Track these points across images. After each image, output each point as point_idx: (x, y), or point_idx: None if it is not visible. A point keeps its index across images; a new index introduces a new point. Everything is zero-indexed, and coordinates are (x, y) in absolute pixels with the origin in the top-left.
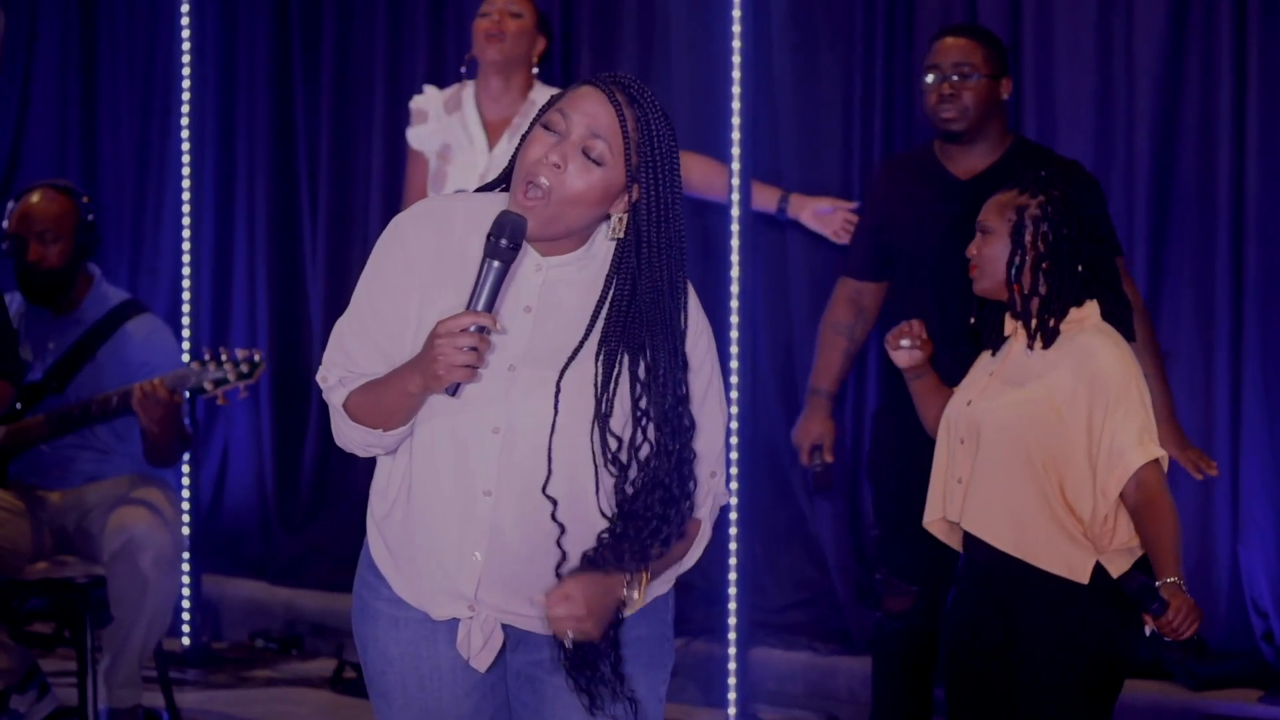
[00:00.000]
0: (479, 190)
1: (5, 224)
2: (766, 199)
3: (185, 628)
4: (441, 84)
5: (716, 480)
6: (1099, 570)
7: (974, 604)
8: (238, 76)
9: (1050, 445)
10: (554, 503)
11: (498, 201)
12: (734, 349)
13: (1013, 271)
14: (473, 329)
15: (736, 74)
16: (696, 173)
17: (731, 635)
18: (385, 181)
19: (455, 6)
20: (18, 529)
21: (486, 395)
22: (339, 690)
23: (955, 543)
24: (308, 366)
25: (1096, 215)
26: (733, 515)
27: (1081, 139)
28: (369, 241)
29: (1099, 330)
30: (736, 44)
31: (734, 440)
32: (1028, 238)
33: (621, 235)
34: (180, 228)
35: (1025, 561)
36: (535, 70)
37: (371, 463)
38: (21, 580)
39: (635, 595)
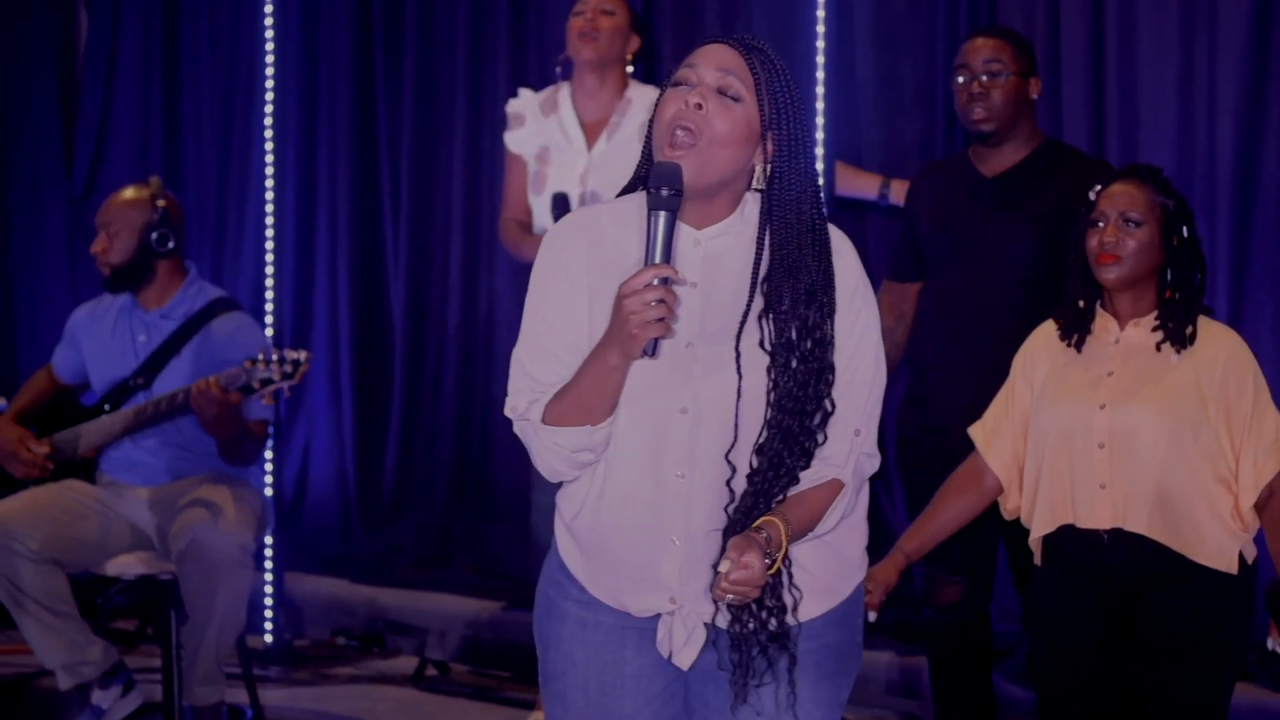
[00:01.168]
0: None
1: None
2: (867, 185)
3: (267, 625)
4: (523, 84)
5: (861, 439)
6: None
7: (1086, 607)
8: (319, 76)
9: (1207, 441)
10: (732, 469)
11: (638, 201)
12: None
13: (1166, 276)
14: (655, 281)
15: (820, 74)
16: None
17: None
18: (466, 181)
19: (538, 8)
20: (101, 523)
21: (670, 376)
22: (420, 687)
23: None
24: (389, 365)
25: None
26: None
27: (1164, 144)
28: (450, 241)
29: (1225, 330)
30: (820, 44)
31: None
32: (1175, 240)
33: (764, 186)
34: (263, 227)
35: (1181, 558)
36: (630, 69)
37: (447, 464)
38: (104, 576)
39: (775, 555)
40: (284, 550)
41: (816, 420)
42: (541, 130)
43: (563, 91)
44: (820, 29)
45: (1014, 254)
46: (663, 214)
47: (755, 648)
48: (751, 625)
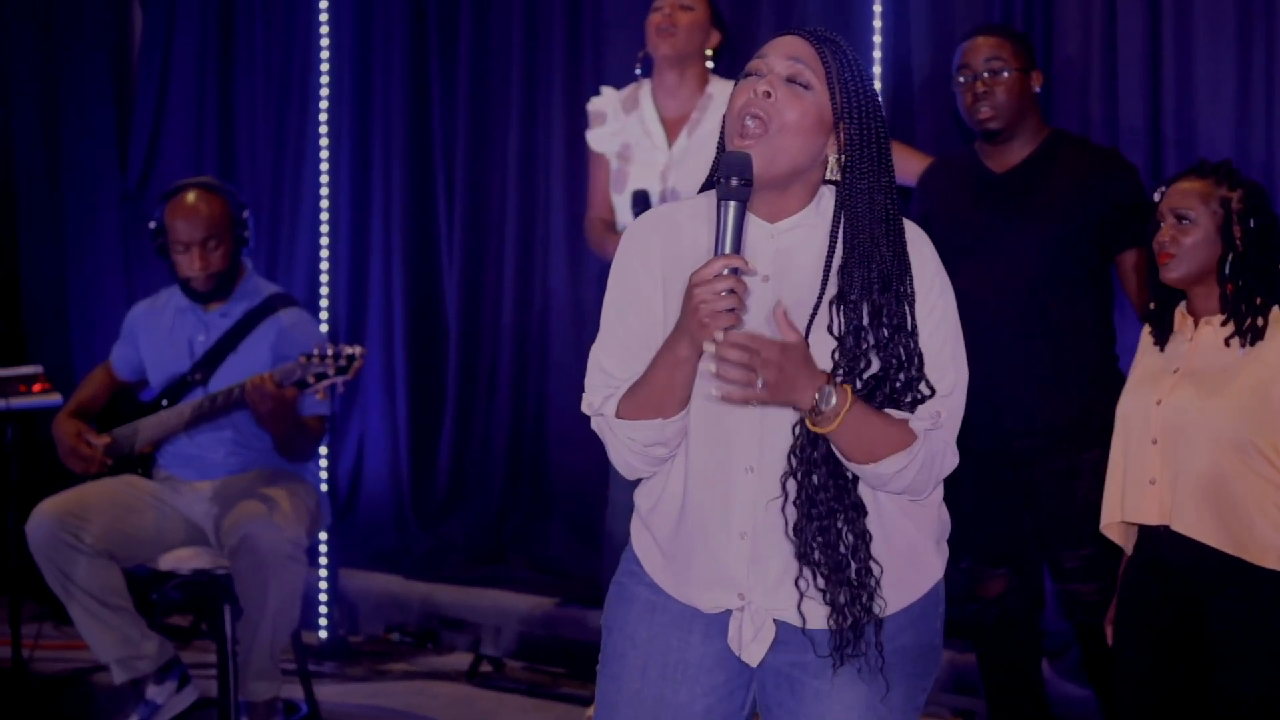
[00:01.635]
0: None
1: (153, 225)
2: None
3: (322, 621)
4: (577, 81)
5: (942, 421)
6: None
7: (1152, 603)
8: (374, 71)
9: (1266, 439)
10: (796, 460)
11: (713, 199)
12: None
13: (1225, 269)
14: (725, 272)
15: (877, 69)
16: None
17: None
18: (520, 177)
19: (593, 5)
20: (156, 518)
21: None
22: (475, 684)
23: (1131, 545)
24: (443, 360)
25: (1140, 204)
26: None
27: (1221, 132)
28: (504, 237)
29: None
30: (877, 38)
31: None
32: (1237, 232)
33: (839, 177)
34: (318, 223)
35: (1235, 559)
36: (711, 64)
37: (501, 460)
38: (159, 571)
39: (823, 408)
40: (338, 546)
41: (904, 405)
42: (623, 128)
43: (643, 88)
44: (877, 23)
45: (1027, 250)
46: (732, 204)
47: (847, 633)
48: (842, 607)
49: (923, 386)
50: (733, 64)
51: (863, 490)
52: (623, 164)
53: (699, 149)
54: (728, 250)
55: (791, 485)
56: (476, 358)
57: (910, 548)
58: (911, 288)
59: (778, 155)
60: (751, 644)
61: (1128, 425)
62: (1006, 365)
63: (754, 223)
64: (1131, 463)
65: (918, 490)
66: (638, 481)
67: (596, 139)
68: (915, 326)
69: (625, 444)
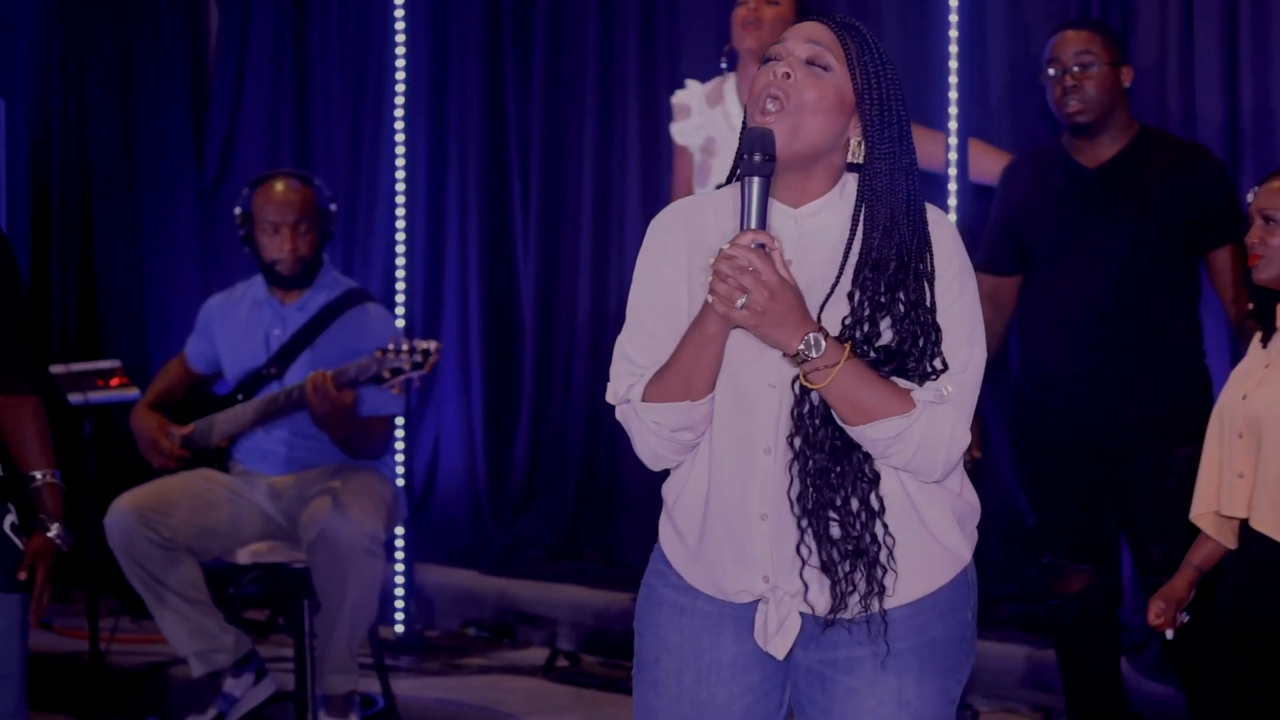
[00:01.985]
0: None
1: (239, 212)
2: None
3: (399, 616)
4: (652, 77)
5: (949, 398)
6: None
7: (1249, 597)
8: (449, 67)
9: None
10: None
11: (739, 191)
12: None
13: None
14: (753, 246)
15: (954, 48)
16: (932, 145)
17: None
18: (596, 172)
19: (667, 2)
20: (233, 512)
21: (759, 352)
22: (551, 678)
23: (1226, 537)
24: (519, 356)
25: (1229, 201)
26: None
27: None
28: (580, 232)
29: None
30: (954, 17)
31: None
32: None
33: (860, 160)
34: (393, 219)
35: None
36: None
37: (576, 456)
38: (236, 564)
39: (810, 354)
40: (415, 541)
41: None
42: (707, 121)
43: (728, 82)
44: (954, 17)
45: (1119, 245)
46: (756, 180)
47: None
48: (841, 592)
49: (937, 361)
50: None
51: (879, 471)
52: (706, 158)
53: None
54: (754, 225)
55: (797, 463)
56: (551, 354)
57: (930, 534)
58: (931, 265)
59: (798, 132)
60: (776, 636)
61: (1220, 418)
62: (1096, 362)
63: (778, 208)
64: (1224, 456)
65: (924, 469)
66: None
67: (680, 132)
68: (934, 303)
69: (651, 429)
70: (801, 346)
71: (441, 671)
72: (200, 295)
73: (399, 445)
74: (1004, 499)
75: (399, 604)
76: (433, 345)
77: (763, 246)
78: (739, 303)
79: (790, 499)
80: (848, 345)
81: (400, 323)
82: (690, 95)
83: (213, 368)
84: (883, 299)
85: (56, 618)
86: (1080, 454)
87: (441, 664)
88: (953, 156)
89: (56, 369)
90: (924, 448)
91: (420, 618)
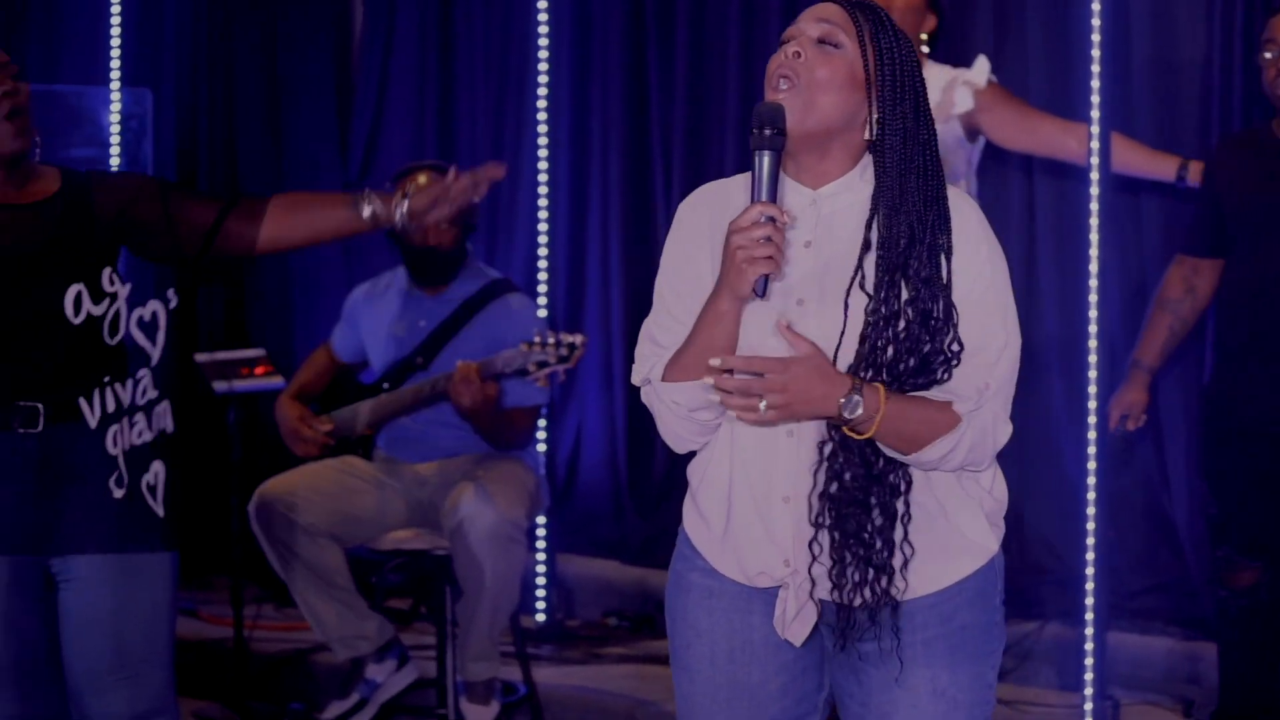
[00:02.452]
0: None
1: None
2: (1161, 166)
3: (540, 605)
4: None
5: (991, 394)
6: None
7: None
8: (592, 60)
9: None
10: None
11: None
12: (1092, 328)
13: None
14: (763, 219)
15: (1096, 36)
16: (1068, 137)
17: (1089, 617)
18: (740, 163)
19: None
20: (377, 499)
21: (775, 332)
22: None
23: None
24: None
25: None
26: (1090, 495)
27: None
28: None
29: None
30: (1096, 5)
31: (1092, 420)
32: None
33: (873, 137)
34: (536, 210)
35: None
36: (926, 49)
37: None
38: (379, 551)
39: (851, 416)
40: (557, 531)
41: (936, 364)
42: None
43: None
44: (1096, 17)
45: None
46: (766, 154)
47: (858, 610)
48: (853, 586)
49: (953, 344)
50: (949, 50)
51: (911, 476)
52: None
53: None
54: (764, 199)
55: (816, 457)
56: None
57: (955, 526)
58: (948, 241)
59: (809, 109)
60: (794, 623)
61: None
62: None
63: (797, 189)
64: None
65: (974, 465)
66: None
67: None
68: (950, 280)
69: (671, 409)
70: (843, 413)
71: (582, 660)
72: (345, 285)
73: (541, 435)
74: (1150, 493)
75: (540, 593)
76: (578, 339)
77: (772, 219)
78: (762, 406)
79: (816, 486)
80: (881, 389)
81: (542, 314)
82: None
83: (357, 357)
84: (896, 277)
85: (202, 605)
86: (1271, 441)
87: (582, 653)
88: (1094, 146)
89: (202, 357)
90: (973, 450)
91: (561, 607)
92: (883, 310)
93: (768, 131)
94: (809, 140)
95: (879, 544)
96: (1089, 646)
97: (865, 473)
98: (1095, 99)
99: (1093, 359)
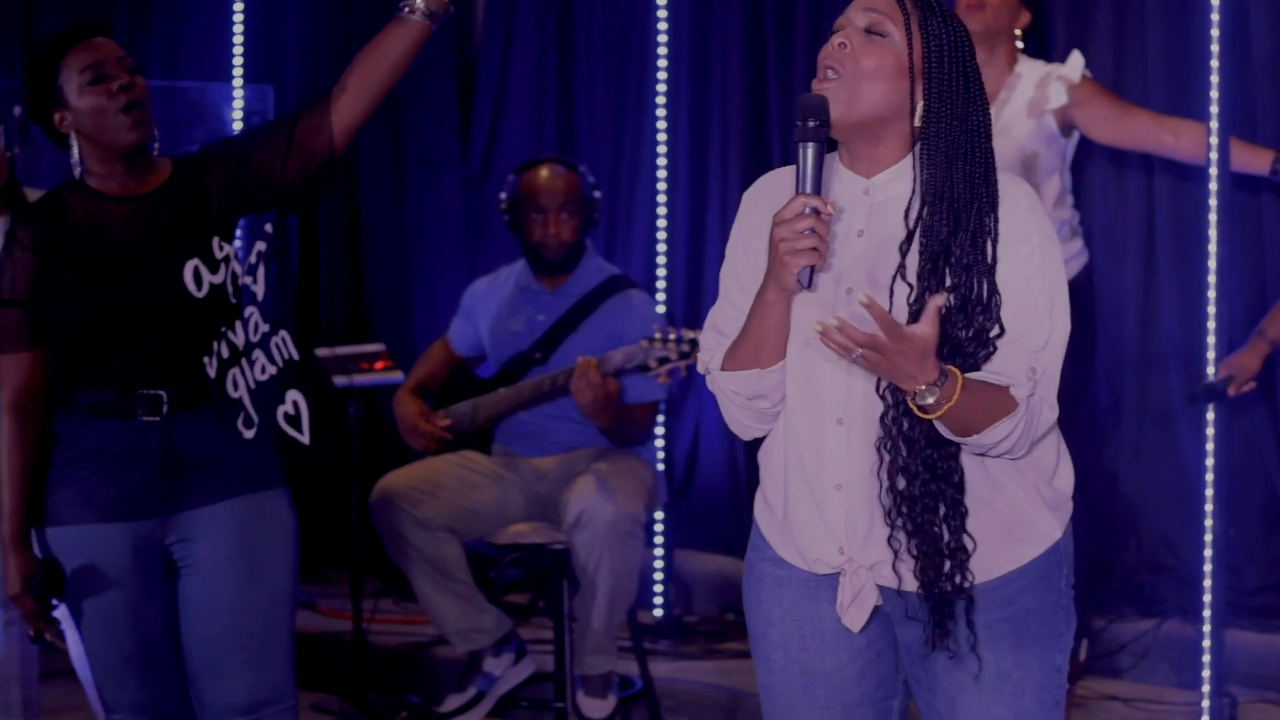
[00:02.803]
0: None
1: (505, 197)
2: (1256, 160)
3: (658, 600)
4: None
5: (1039, 378)
6: None
7: None
8: (711, 53)
9: None
10: (885, 405)
11: (829, 160)
12: (1211, 324)
13: None
14: (806, 210)
15: (1215, 31)
16: (1186, 139)
17: (1206, 615)
18: None
19: None
20: (495, 494)
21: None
22: None
23: None
24: None
25: None
26: (1208, 493)
27: None
28: None
29: None
30: (1214, 32)
31: (1210, 417)
32: None
33: (920, 123)
34: (655, 205)
35: None
36: (1020, 44)
37: None
38: (497, 546)
39: (929, 400)
40: (675, 526)
41: (975, 348)
42: None
43: None
44: (1215, 12)
45: None
46: (810, 145)
47: (937, 601)
48: (930, 575)
49: (993, 330)
50: (1040, 44)
51: (964, 458)
52: None
53: (1005, 128)
54: (807, 190)
55: (884, 453)
56: None
57: (1014, 512)
58: (995, 227)
59: (855, 99)
60: (851, 608)
61: None
62: None
63: (851, 178)
64: None
65: (1020, 449)
66: None
67: None
68: (994, 264)
69: (730, 398)
70: (918, 397)
71: (700, 655)
72: (464, 279)
73: (660, 431)
74: (1269, 492)
75: (658, 588)
76: (698, 335)
77: (815, 210)
78: (856, 354)
79: (870, 475)
80: (960, 378)
81: (660, 309)
82: None
83: (476, 351)
84: (939, 265)
85: (321, 599)
86: None
87: (700, 648)
88: (1214, 143)
89: (322, 352)
90: (1025, 434)
91: (679, 603)
92: (925, 299)
93: (811, 123)
94: (859, 129)
95: (940, 534)
96: (1207, 644)
97: (923, 466)
98: (1214, 96)
99: (1211, 356)
